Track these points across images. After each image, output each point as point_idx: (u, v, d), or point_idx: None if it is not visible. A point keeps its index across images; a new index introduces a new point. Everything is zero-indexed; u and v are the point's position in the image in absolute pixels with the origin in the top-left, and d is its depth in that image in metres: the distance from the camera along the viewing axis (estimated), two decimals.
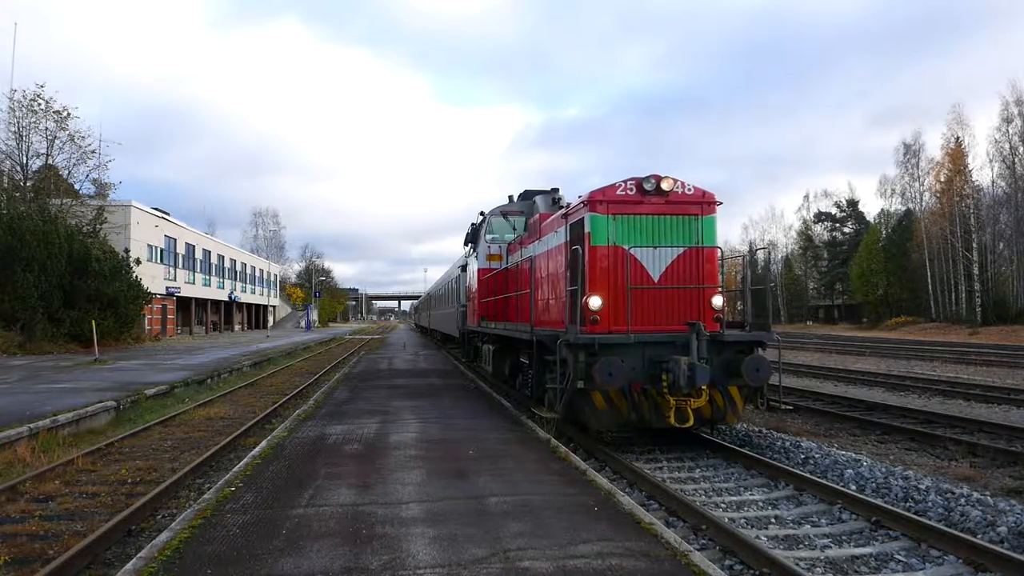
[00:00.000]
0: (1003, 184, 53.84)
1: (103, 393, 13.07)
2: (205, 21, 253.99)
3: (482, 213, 16.08)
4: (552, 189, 14.04)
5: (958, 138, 55.84)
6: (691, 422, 8.20)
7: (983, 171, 56.99)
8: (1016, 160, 52.05)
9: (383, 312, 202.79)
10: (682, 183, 8.88)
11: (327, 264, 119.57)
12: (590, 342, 8.11)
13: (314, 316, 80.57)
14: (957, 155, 55.40)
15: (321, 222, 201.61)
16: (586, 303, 8.43)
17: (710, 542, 5.62)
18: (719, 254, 9.38)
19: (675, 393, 8.11)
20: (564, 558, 4.52)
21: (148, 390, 13.97)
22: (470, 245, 17.52)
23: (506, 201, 15.73)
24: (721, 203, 9.06)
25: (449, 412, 11.31)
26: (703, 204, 8.95)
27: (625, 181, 8.81)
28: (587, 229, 8.77)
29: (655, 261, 8.73)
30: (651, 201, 8.79)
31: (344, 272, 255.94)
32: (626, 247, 8.66)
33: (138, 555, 4.75)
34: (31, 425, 9.52)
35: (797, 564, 5.05)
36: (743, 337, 8.80)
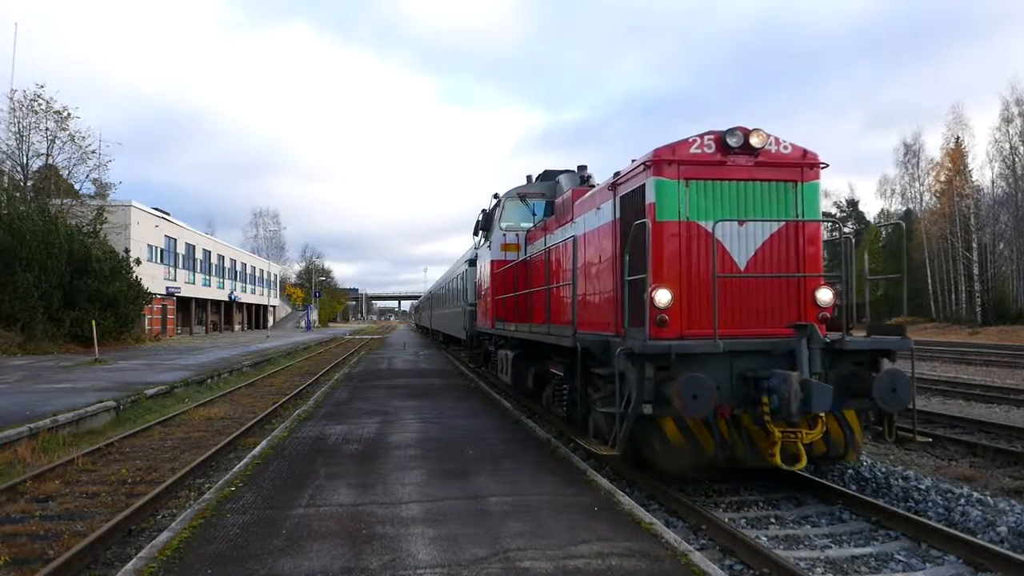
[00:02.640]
0: (1003, 184, 53.83)
1: (103, 393, 13.07)
2: (216, 26, 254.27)
3: (496, 196, 13.88)
4: (580, 167, 12.12)
5: (958, 138, 55.83)
6: (804, 462, 6.08)
7: (983, 171, 57.01)
8: (1016, 160, 52.04)
9: (383, 312, 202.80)
10: (776, 139, 6.91)
11: (327, 264, 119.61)
12: (664, 351, 6.08)
13: (314, 316, 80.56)
14: (957, 155, 55.37)
15: (322, 222, 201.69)
16: (650, 298, 6.42)
17: (710, 542, 5.62)
18: (824, 233, 7.34)
19: (781, 422, 6.01)
20: (564, 558, 4.53)
21: (148, 390, 13.97)
22: (481, 234, 15.18)
23: (523, 183, 13.59)
24: (826, 165, 7.04)
25: (449, 412, 11.31)
26: (804, 167, 6.95)
27: (700, 136, 6.80)
28: (650, 199, 6.75)
29: (741, 242, 6.75)
30: (736, 162, 6.81)
31: (344, 272, 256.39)
32: (704, 223, 6.68)
33: (138, 555, 4.75)
34: (31, 425, 9.53)
35: (797, 564, 5.05)
36: (872, 345, 6.72)
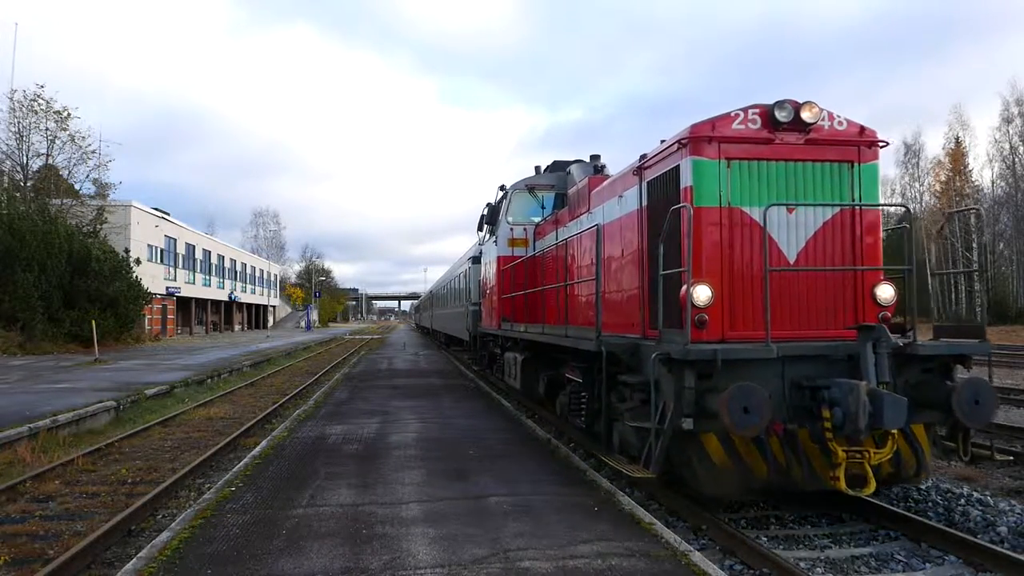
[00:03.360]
0: (1003, 184, 53.85)
1: (103, 393, 13.07)
2: (217, 27, 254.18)
3: (502, 187, 13.12)
4: (592, 156, 11.34)
5: (958, 138, 55.84)
6: (872, 486, 5.33)
7: (983, 171, 57.02)
8: (1016, 160, 52.07)
9: (383, 312, 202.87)
10: (829, 113, 6.14)
11: (327, 264, 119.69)
12: (708, 357, 5.29)
13: (314, 316, 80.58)
14: (957, 155, 55.39)
15: (322, 222, 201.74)
16: (688, 296, 5.64)
17: (710, 542, 5.61)
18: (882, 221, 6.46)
19: (844, 439, 5.26)
20: (564, 558, 4.53)
21: (148, 390, 13.97)
22: (486, 228, 14.34)
23: (531, 174, 12.90)
24: (886, 143, 6.31)
25: (449, 412, 11.31)
26: (861, 145, 6.18)
27: (744, 109, 6.05)
28: (686, 182, 5.99)
29: (790, 231, 6.01)
30: (784, 140, 6.05)
31: (344, 272, 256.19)
32: (748, 209, 5.96)
33: (138, 555, 4.75)
34: (31, 425, 9.53)
35: (797, 564, 5.05)
36: (949, 349, 5.92)
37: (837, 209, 6.12)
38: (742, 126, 6.03)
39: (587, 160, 11.27)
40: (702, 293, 5.69)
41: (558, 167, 12.39)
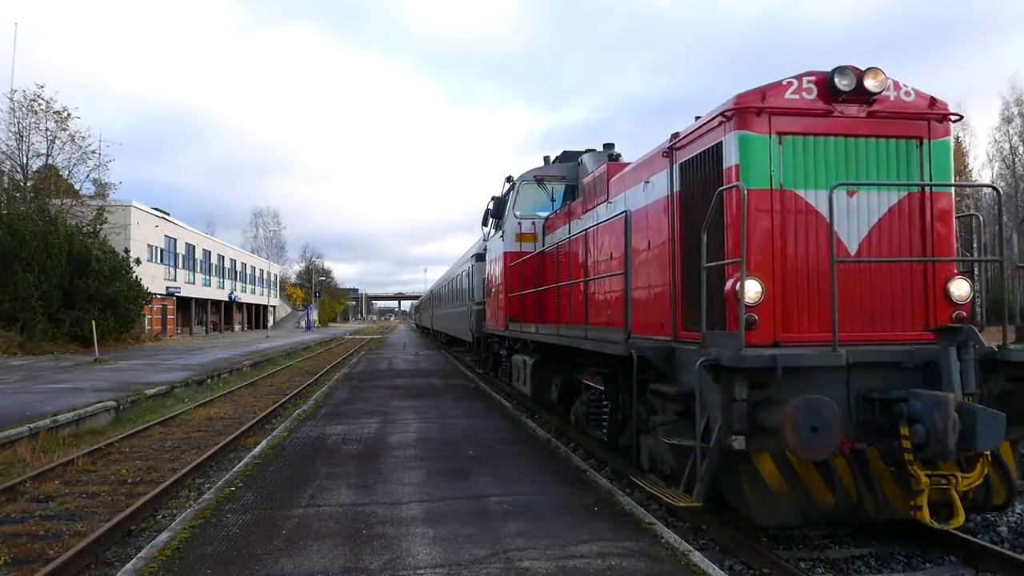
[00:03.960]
0: (1003, 184, 53.85)
1: (103, 393, 13.06)
2: (219, 28, 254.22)
3: (509, 179, 12.40)
4: (606, 144, 10.80)
5: (958, 138, 55.80)
6: (961, 518, 4.64)
7: (983, 171, 57.02)
8: (1016, 160, 52.08)
9: (383, 312, 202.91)
10: (895, 82, 5.43)
11: (327, 264, 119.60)
12: (766, 364, 4.56)
13: (314, 316, 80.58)
14: (957, 155, 55.38)
15: (322, 222, 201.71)
16: (734, 292, 4.94)
17: (710, 542, 5.61)
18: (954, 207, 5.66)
19: (926, 461, 4.58)
20: (564, 558, 4.53)
21: (148, 390, 13.96)
22: (492, 223, 13.54)
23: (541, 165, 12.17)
24: (959, 117, 5.61)
25: (449, 412, 11.31)
26: (931, 119, 5.47)
27: (798, 77, 5.34)
28: (731, 161, 5.27)
29: (851, 218, 5.29)
30: (844, 112, 5.34)
31: (344, 272, 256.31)
32: (802, 192, 5.27)
33: (138, 555, 4.76)
34: (31, 425, 9.52)
35: (797, 564, 5.05)
36: None
37: (904, 193, 5.39)
38: (796, 96, 5.29)
39: (600, 149, 10.75)
40: (751, 289, 4.94)
41: (568, 157, 11.79)
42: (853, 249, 5.29)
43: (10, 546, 5.51)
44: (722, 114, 5.38)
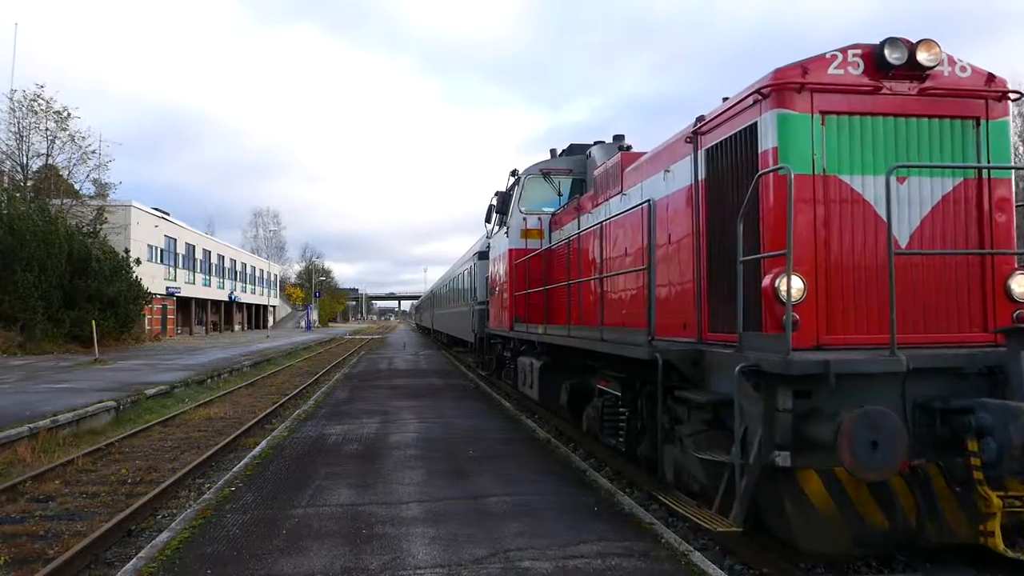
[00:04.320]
0: None
1: (103, 393, 13.06)
2: (220, 28, 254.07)
3: (514, 172, 11.96)
4: (616, 136, 10.42)
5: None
6: None
7: None
8: (1016, 160, 52.10)
9: (383, 312, 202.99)
10: (949, 56, 4.98)
11: (327, 264, 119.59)
12: (818, 370, 4.07)
13: (314, 316, 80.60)
14: None
15: (322, 222, 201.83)
16: (773, 288, 4.54)
17: (710, 542, 5.61)
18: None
19: (996, 479, 4.12)
20: (564, 558, 4.53)
21: (148, 390, 13.96)
22: (496, 219, 12.98)
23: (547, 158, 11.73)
24: (1020, 95, 5.23)
25: (449, 412, 11.32)
26: (989, 97, 5.03)
27: (843, 50, 4.88)
28: (769, 143, 4.82)
29: (901, 207, 4.81)
30: (894, 89, 4.88)
31: (344, 272, 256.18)
32: (847, 178, 4.83)
33: (138, 555, 4.76)
34: (31, 425, 9.52)
35: (797, 563, 5.04)
36: None
37: (959, 179, 4.92)
38: (840, 71, 4.83)
39: (609, 141, 10.42)
40: (794, 286, 4.41)
41: (576, 150, 11.38)
42: (904, 241, 4.79)
43: (10, 546, 5.51)
44: (758, 91, 4.91)
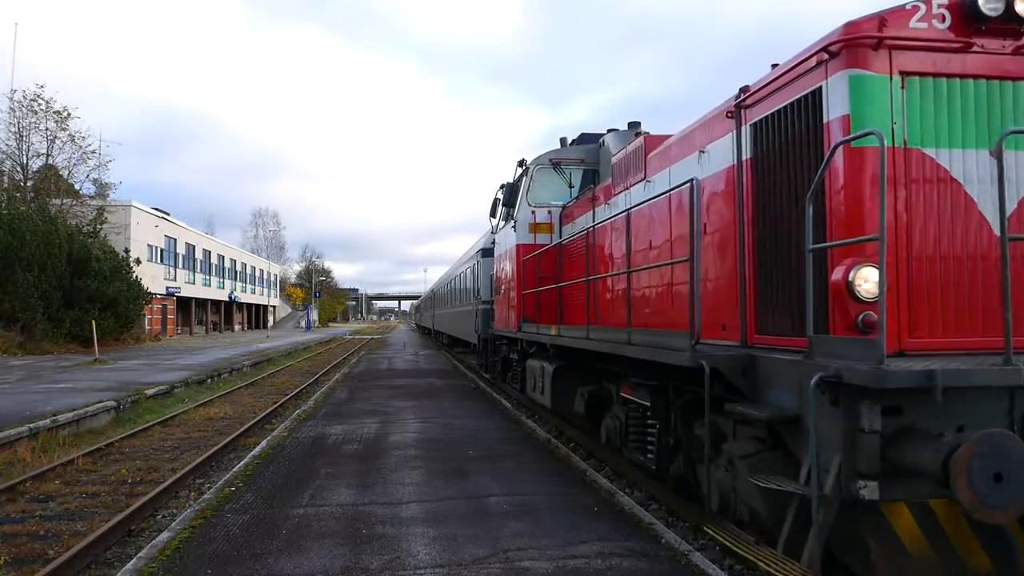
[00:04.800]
0: None
1: (103, 393, 13.06)
2: (221, 28, 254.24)
3: (522, 163, 11.18)
4: (631, 123, 9.76)
5: None
6: None
7: None
8: None
9: (383, 312, 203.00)
10: None
11: (327, 264, 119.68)
12: (920, 383, 3.35)
13: (314, 316, 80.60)
14: None
15: (322, 223, 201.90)
16: (846, 282, 3.85)
17: (710, 542, 5.60)
18: None
19: None
20: (564, 558, 4.53)
21: (148, 390, 13.96)
22: (501, 212, 12.22)
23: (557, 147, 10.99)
24: None
25: (449, 412, 11.32)
26: None
27: (926, 0, 4.13)
28: (838, 111, 4.11)
29: (993, 186, 3.97)
30: (987, 47, 4.14)
31: (344, 272, 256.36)
32: (934, 152, 4.10)
33: (138, 555, 4.76)
34: (31, 425, 9.52)
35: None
36: None
37: None
38: (923, 24, 4.08)
39: (624, 129, 9.80)
40: (868, 278, 3.78)
41: (587, 139, 10.73)
42: (998, 228, 3.92)
43: (10, 546, 5.51)
44: (824, 49, 4.17)
